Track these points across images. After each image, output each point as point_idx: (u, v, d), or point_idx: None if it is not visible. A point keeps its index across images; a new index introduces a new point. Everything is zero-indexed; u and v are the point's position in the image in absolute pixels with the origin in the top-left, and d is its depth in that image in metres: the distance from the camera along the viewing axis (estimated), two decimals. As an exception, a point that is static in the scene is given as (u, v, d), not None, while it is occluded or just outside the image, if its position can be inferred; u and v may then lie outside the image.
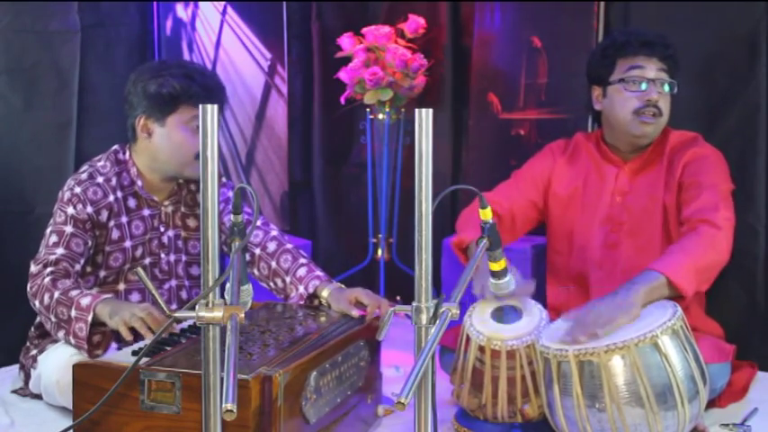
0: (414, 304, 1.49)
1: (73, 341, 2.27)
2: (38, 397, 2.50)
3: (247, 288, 1.81)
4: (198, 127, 1.38)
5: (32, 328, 2.54)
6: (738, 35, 2.92)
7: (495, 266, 2.08)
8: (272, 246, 2.57)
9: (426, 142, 1.47)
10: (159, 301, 1.44)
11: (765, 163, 2.86)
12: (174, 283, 2.59)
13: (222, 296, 1.42)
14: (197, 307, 1.38)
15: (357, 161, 3.96)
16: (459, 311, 1.48)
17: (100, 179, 2.46)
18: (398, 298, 3.63)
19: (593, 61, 2.65)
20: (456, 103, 3.73)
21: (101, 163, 2.51)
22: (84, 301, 2.25)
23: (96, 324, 2.25)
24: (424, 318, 1.48)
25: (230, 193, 2.63)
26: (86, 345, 2.24)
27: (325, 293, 2.45)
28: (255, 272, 2.59)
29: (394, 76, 3.44)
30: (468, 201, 2.91)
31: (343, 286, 2.49)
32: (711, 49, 2.98)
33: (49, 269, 2.34)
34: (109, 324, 2.21)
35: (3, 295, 2.95)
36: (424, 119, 1.46)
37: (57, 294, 2.28)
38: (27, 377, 2.52)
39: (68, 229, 2.39)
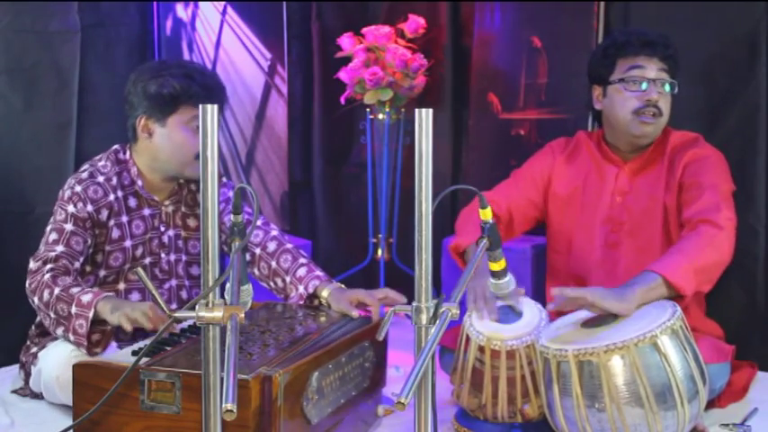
0: (414, 304, 1.49)
1: (72, 338, 2.27)
2: (38, 397, 2.50)
3: (247, 288, 1.81)
4: (198, 127, 1.38)
5: (33, 327, 2.55)
6: (738, 35, 2.92)
7: (495, 266, 2.08)
8: (272, 245, 2.57)
9: (426, 142, 1.47)
10: (159, 300, 1.44)
11: (765, 163, 2.86)
12: (174, 282, 2.59)
13: (222, 296, 1.42)
14: (197, 307, 1.38)
15: (357, 161, 3.96)
16: (459, 311, 1.48)
17: (100, 178, 2.46)
18: (398, 298, 3.64)
19: (593, 61, 2.65)
20: (456, 103, 3.73)
21: (101, 162, 2.51)
22: (86, 298, 2.25)
23: (96, 322, 2.26)
24: (424, 318, 1.48)
25: (230, 193, 2.63)
26: (86, 342, 2.25)
27: (325, 293, 2.46)
28: (256, 272, 2.59)
29: (394, 76, 3.44)
30: (468, 201, 2.91)
31: (343, 286, 2.50)
32: (711, 49, 2.98)
33: (48, 266, 2.34)
34: (110, 320, 2.22)
35: (3, 295, 2.95)
36: (424, 119, 1.46)
37: (57, 291, 2.29)
38: (27, 375, 2.52)
39: (68, 227, 2.39)
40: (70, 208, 2.40)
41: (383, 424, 2.37)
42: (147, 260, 2.54)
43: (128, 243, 2.49)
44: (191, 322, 2.15)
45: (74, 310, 2.25)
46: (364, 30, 3.50)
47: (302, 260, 2.54)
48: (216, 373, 1.40)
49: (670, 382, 2.03)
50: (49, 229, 2.43)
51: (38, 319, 2.49)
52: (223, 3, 3.86)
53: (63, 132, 3.14)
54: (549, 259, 2.78)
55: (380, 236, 3.69)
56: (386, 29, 3.48)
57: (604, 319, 2.18)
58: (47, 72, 3.11)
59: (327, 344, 2.09)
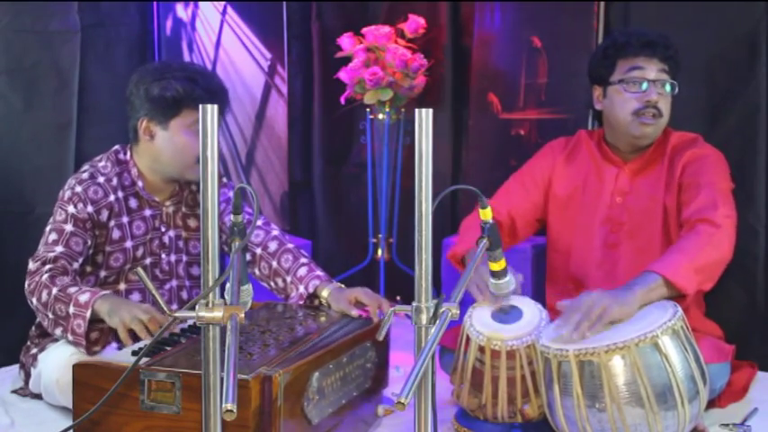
0: (414, 304, 1.49)
1: (71, 338, 2.27)
2: (38, 397, 2.50)
3: (247, 288, 1.81)
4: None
5: (33, 327, 2.54)
6: (738, 35, 2.92)
7: (495, 266, 2.08)
8: (273, 245, 2.57)
9: (426, 142, 1.47)
10: (159, 301, 1.44)
11: (765, 163, 2.86)
12: (174, 283, 2.59)
13: (222, 296, 1.42)
14: (197, 307, 1.38)
15: (357, 161, 3.96)
16: (459, 311, 1.48)
17: (101, 179, 2.46)
18: (398, 298, 3.63)
19: (593, 61, 2.65)
20: (456, 103, 3.73)
21: (102, 163, 2.51)
22: (83, 298, 2.25)
23: (94, 321, 2.26)
24: (424, 318, 1.48)
25: (231, 194, 2.63)
26: (84, 341, 2.25)
27: (325, 293, 2.46)
28: (256, 271, 2.59)
29: (394, 76, 3.44)
30: (467, 200, 2.92)
31: (343, 286, 2.50)
32: (711, 49, 2.98)
33: (47, 266, 2.34)
34: (108, 322, 2.22)
35: (2, 295, 2.95)
36: (424, 119, 1.46)
37: (55, 291, 2.29)
38: (27, 376, 2.52)
39: (68, 227, 2.39)
40: (70, 208, 2.40)
41: (383, 424, 2.37)
42: (148, 261, 2.54)
43: (128, 244, 2.49)
44: (191, 322, 2.15)
45: (71, 310, 2.25)
46: (364, 30, 3.50)
47: (303, 260, 2.54)
48: (216, 373, 1.40)
49: (671, 383, 2.03)
50: (48, 229, 2.42)
51: (38, 319, 2.49)
52: (223, 3, 3.86)
53: (63, 132, 3.14)
54: (549, 259, 2.78)
55: (380, 236, 3.69)
56: (386, 29, 3.48)
57: (605, 319, 2.18)
58: (47, 72, 3.11)
59: (329, 344, 2.09)
